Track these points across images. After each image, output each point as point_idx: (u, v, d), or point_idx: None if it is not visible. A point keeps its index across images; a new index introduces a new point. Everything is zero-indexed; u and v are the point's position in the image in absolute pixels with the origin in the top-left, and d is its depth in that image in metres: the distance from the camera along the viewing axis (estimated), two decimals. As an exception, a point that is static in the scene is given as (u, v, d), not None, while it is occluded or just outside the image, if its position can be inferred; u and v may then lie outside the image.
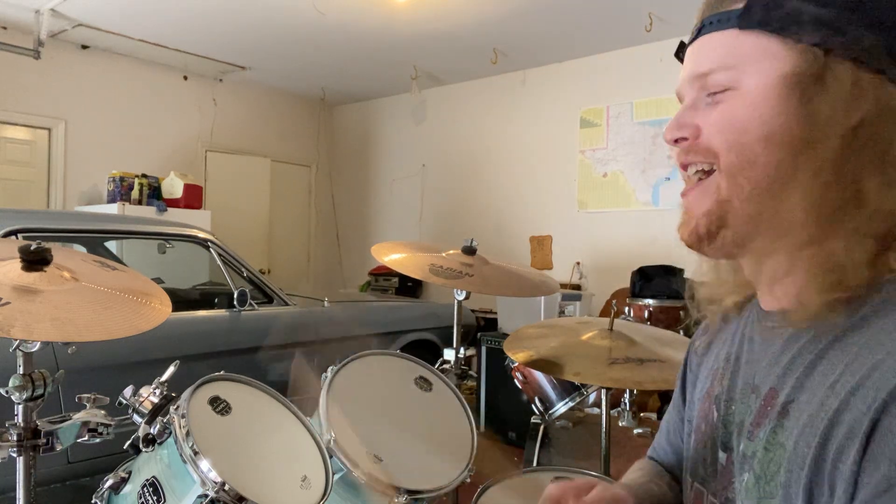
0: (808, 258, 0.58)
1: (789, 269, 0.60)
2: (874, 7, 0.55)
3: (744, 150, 0.58)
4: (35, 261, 1.18)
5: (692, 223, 0.63)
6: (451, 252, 1.83)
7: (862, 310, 0.54)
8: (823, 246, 0.56)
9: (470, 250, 1.81)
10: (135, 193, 4.82)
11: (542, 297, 3.66)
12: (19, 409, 1.16)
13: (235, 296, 2.89)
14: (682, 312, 3.49)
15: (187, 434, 1.03)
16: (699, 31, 0.62)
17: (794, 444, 0.53)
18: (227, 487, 0.99)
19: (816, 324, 0.56)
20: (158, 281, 3.24)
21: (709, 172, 0.62)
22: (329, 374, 1.34)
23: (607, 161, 5.00)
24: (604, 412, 1.62)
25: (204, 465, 1.00)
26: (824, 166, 0.55)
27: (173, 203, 4.90)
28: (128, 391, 1.16)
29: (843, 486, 0.48)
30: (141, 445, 1.09)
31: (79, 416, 1.19)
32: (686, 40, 0.68)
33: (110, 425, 1.21)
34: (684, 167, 0.64)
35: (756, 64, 0.57)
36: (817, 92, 0.55)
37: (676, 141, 0.63)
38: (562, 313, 3.92)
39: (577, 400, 1.73)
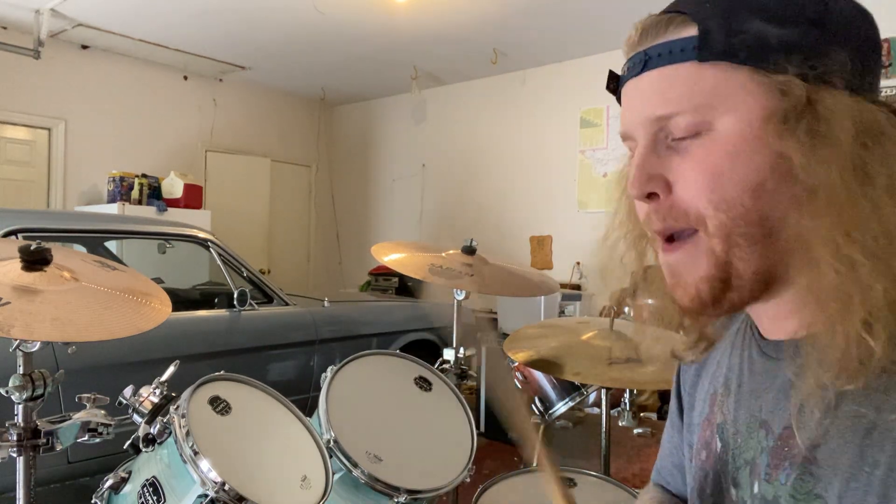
0: (821, 303, 0.50)
1: (795, 309, 0.54)
2: (834, 24, 0.50)
3: (732, 206, 0.51)
4: (35, 261, 1.18)
5: (691, 290, 0.55)
6: (451, 252, 1.83)
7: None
8: (839, 291, 0.48)
9: (470, 250, 1.81)
10: (135, 193, 4.82)
11: (542, 297, 3.66)
12: (19, 409, 1.16)
13: (235, 296, 2.89)
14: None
15: (187, 434, 1.03)
16: (644, 64, 0.55)
17: (838, 499, 0.49)
18: (227, 487, 0.99)
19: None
20: (158, 281, 3.24)
21: (685, 234, 0.54)
22: (329, 374, 1.34)
23: (607, 161, 5.00)
24: (604, 412, 1.62)
25: (204, 465, 1.00)
26: (830, 205, 0.48)
27: (173, 203, 4.90)
28: (128, 391, 1.16)
29: None
30: (141, 445, 1.09)
31: (79, 416, 1.19)
32: (621, 71, 0.60)
33: (110, 425, 1.21)
34: (663, 235, 0.56)
35: (727, 102, 0.50)
36: (805, 127, 0.49)
37: (648, 196, 0.55)
38: (562, 313, 3.92)
39: (577, 400, 1.73)
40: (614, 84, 0.61)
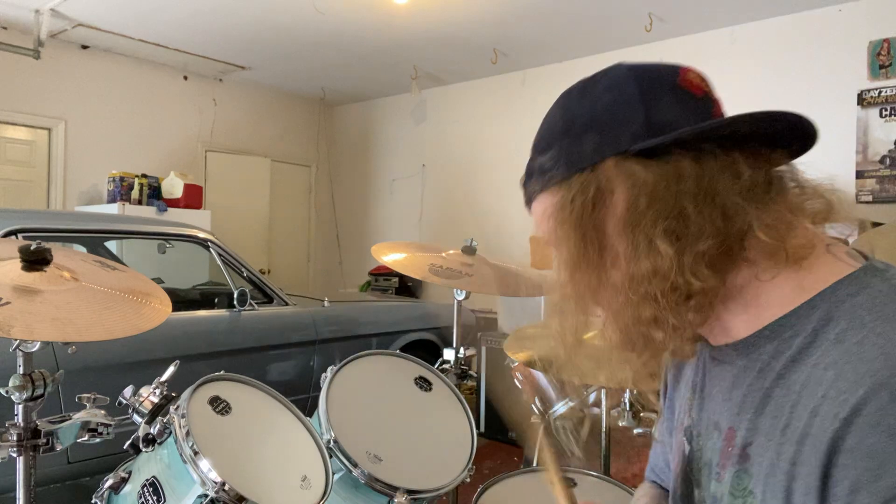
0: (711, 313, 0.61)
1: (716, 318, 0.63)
2: (579, 120, 0.61)
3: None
4: (35, 261, 1.18)
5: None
6: (451, 252, 1.83)
7: (797, 339, 0.54)
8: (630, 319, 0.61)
9: (470, 250, 1.81)
10: (135, 193, 4.82)
11: (542, 297, 3.65)
12: (19, 409, 1.16)
13: (235, 296, 2.89)
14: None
15: (187, 434, 1.03)
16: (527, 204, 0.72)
17: (762, 494, 0.54)
18: (227, 487, 0.99)
19: (757, 358, 0.58)
20: (158, 281, 3.24)
21: None
22: (329, 374, 1.34)
23: (607, 161, 4.99)
24: (604, 412, 1.62)
25: (204, 465, 1.00)
26: (614, 260, 0.60)
27: (173, 203, 4.90)
28: (128, 391, 1.16)
29: None
30: (141, 445, 1.09)
31: (79, 416, 1.19)
32: None
33: (110, 425, 1.21)
34: None
35: (549, 220, 0.65)
36: (566, 211, 0.61)
37: None
38: (562, 313, 3.91)
39: (577, 400, 1.73)
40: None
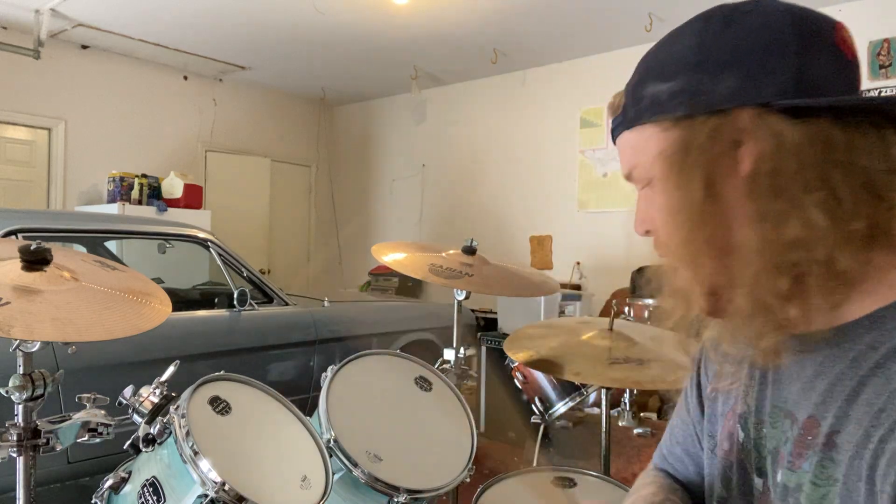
0: (742, 300, 0.57)
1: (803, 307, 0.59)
2: (718, 54, 0.55)
3: (674, 238, 0.60)
4: (35, 261, 1.18)
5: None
6: (451, 252, 1.83)
7: None
8: (754, 287, 0.56)
9: (470, 250, 1.81)
10: (135, 193, 4.82)
11: (542, 297, 3.66)
12: (19, 409, 1.16)
13: (235, 296, 2.89)
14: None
15: (187, 434, 1.03)
16: (613, 133, 0.67)
17: (845, 478, 0.52)
18: (227, 487, 0.99)
19: (850, 347, 0.55)
20: (158, 281, 3.24)
21: None
22: (329, 374, 1.34)
23: (607, 161, 5.00)
24: (604, 412, 1.62)
25: (204, 465, 1.00)
26: (732, 220, 0.56)
27: (173, 203, 4.90)
28: (128, 391, 1.16)
29: None
30: (141, 445, 1.09)
31: (79, 416, 1.19)
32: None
33: (110, 425, 1.21)
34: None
35: (645, 154, 0.61)
36: (691, 155, 0.56)
37: (647, 232, 0.65)
38: (562, 313, 3.92)
39: (577, 400, 1.73)
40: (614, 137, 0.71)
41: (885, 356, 0.52)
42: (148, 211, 4.77)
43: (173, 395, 1.14)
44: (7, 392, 1.16)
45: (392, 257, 1.78)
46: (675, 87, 0.57)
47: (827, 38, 0.55)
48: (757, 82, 0.54)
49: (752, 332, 0.60)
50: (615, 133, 0.66)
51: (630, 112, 0.62)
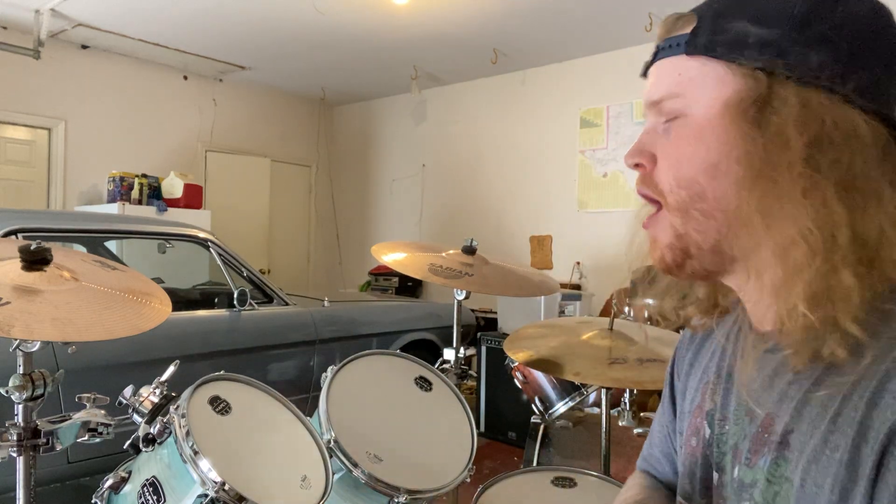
0: (787, 290, 0.54)
1: (773, 298, 0.57)
2: (822, 24, 0.53)
3: (692, 184, 0.57)
4: (35, 261, 1.18)
5: (658, 252, 0.62)
6: (451, 252, 1.83)
7: (868, 348, 0.51)
8: (799, 279, 0.53)
9: (470, 250, 1.81)
10: (135, 193, 4.82)
11: (542, 297, 3.66)
12: (19, 409, 1.16)
13: (235, 296, 2.89)
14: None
15: (187, 434, 1.03)
16: (655, 56, 0.61)
17: (800, 481, 0.52)
18: (227, 487, 0.99)
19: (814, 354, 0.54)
20: (158, 281, 3.24)
21: (658, 206, 0.61)
22: (329, 374, 1.34)
23: (607, 161, 5.00)
24: (604, 412, 1.62)
25: (204, 464, 1.00)
26: (778, 195, 0.53)
27: (173, 203, 4.90)
28: (128, 391, 1.16)
29: None
30: (141, 445, 1.09)
31: (79, 416, 1.19)
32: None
33: (110, 425, 1.21)
34: (641, 196, 0.64)
35: (701, 91, 0.56)
36: (762, 118, 0.53)
37: (636, 165, 0.62)
38: (562, 313, 3.92)
39: (577, 400, 1.73)
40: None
41: (841, 358, 0.52)
42: (148, 211, 4.77)
43: (173, 394, 1.14)
44: (7, 392, 1.16)
45: (392, 257, 1.78)
46: (766, 37, 0.53)
47: None
48: (845, 70, 0.52)
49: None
50: (663, 53, 0.60)
51: (702, 38, 0.56)
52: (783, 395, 0.56)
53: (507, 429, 3.81)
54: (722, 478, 0.62)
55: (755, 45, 0.54)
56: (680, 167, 0.58)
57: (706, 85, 0.56)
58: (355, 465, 1.19)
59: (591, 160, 5.09)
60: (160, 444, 1.09)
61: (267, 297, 3.16)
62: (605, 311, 4.41)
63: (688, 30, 0.58)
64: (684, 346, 0.77)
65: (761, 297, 0.60)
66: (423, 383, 1.45)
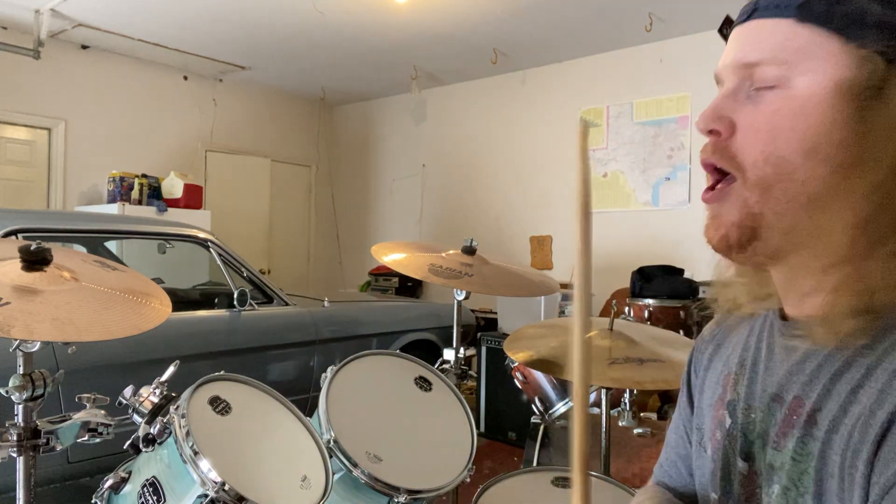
0: (842, 277, 0.54)
1: (820, 285, 0.56)
2: None
3: (782, 161, 0.53)
4: (35, 261, 1.18)
5: (722, 230, 0.58)
6: (451, 252, 1.83)
7: (893, 331, 0.52)
8: (860, 267, 0.52)
9: (470, 250, 1.81)
10: (135, 193, 4.82)
11: (542, 297, 3.66)
12: (19, 409, 1.16)
13: (235, 296, 2.89)
14: (682, 312, 3.49)
15: (187, 434, 1.03)
16: (752, 13, 0.56)
17: (820, 452, 0.52)
18: (227, 487, 0.99)
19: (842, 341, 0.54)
20: (158, 281, 3.24)
21: (729, 178, 0.57)
22: (329, 374, 1.34)
23: (607, 161, 5.00)
24: (604, 412, 1.62)
25: (204, 465, 1.00)
26: (875, 188, 0.51)
27: (173, 203, 4.90)
28: (128, 391, 1.16)
29: (858, 491, 0.48)
30: (141, 445, 1.09)
31: (79, 416, 1.19)
32: (733, 17, 0.62)
33: (110, 425, 1.21)
34: (707, 166, 0.59)
35: (810, 63, 0.52)
36: (875, 105, 0.50)
37: (710, 132, 0.58)
38: (562, 313, 3.92)
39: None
40: (727, 30, 0.62)
41: (873, 338, 0.52)
42: (148, 211, 4.77)
43: (173, 395, 1.14)
44: (7, 392, 1.16)
45: (392, 257, 1.78)
46: (890, 20, 0.50)
47: None
48: None
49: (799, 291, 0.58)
50: (764, 13, 0.55)
51: (819, 7, 0.52)
52: (813, 377, 0.55)
53: (507, 429, 3.81)
54: (751, 466, 0.61)
55: (876, 25, 0.50)
56: (772, 142, 0.53)
57: (818, 58, 0.52)
58: (355, 465, 1.19)
59: (592, 160, 5.09)
60: (160, 444, 1.09)
61: (267, 298, 3.16)
62: (605, 311, 4.41)
63: None
64: (703, 342, 0.76)
65: (805, 281, 0.58)
66: (423, 383, 1.45)
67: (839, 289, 0.54)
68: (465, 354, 1.81)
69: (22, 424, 1.16)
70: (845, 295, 0.53)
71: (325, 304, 3.41)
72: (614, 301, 1.89)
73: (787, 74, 0.53)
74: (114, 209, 4.62)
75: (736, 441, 0.63)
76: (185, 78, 5.81)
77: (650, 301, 3.54)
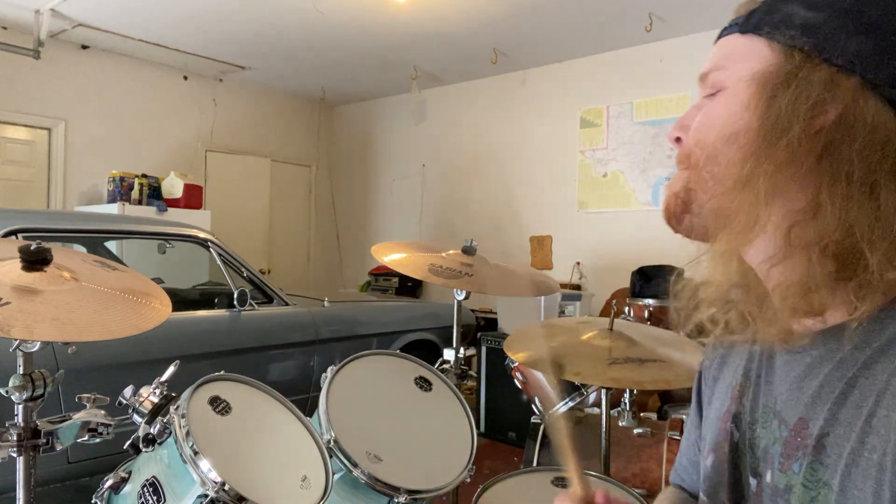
0: (778, 275, 0.56)
1: (770, 284, 0.59)
2: (872, 13, 0.53)
3: (709, 147, 0.60)
4: (35, 261, 1.18)
5: (667, 200, 0.65)
6: (451, 252, 1.83)
7: (887, 331, 0.52)
8: (793, 264, 0.55)
9: (470, 250, 1.81)
10: (135, 193, 4.82)
11: (542, 297, 3.66)
12: (19, 409, 1.16)
13: (235, 296, 2.89)
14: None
15: (187, 434, 1.03)
16: (718, 37, 0.64)
17: (840, 486, 0.51)
18: (227, 487, 0.99)
19: (836, 348, 0.55)
20: (158, 281, 3.24)
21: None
22: (329, 374, 1.34)
23: (607, 161, 5.00)
24: (604, 412, 1.62)
25: (204, 465, 1.00)
26: (780, 169, 0.54)
27: (173, 203, 4.90)
28: (128, 391, 1.16)
29: None
30: (141, 445, 1.09)
31: (79, 416, 1.19)
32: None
33: (110, 425, 1.21)
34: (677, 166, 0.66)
35: (743, 64, 0.59)
36: (782, 92, 0.55)
37: (676, 140, 0.65)
38: (562, 313, 3.92)
39: (577, 400, 1.73)
40: None
41: (871, 357, 0.52)
42: (148, 211, 4.76)
43: (173, 395, 1.14)
44: (7, 392, 1.16)
45: (392, 257, 1.78)
46: (812, 20, 0.55)
47: None
48: (883, 60, 0.52)
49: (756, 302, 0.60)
50: (724, 32, 0.63)
51: (755, 19, 0.59)
52: (815, 398, 0.55)
53: (507, 429, 3.81)
54: (760, 483, 0.61)
55: (799, 26, 0.55)
56: (702, 130, 0.61)
57: (749, 59, 0.58)
58: (355, 465, 1.19)
59: (592, 160, 5.09)
60: (160, 444, 1.09)
61: (267, 298, 3.16)
62: (605, 311, 4.41)
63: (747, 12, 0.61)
64: (712, 351, 0.77)
65: (768, 281, 0.60)
66: (423, 383, 1.45)
67: (776, 288, 0.57)
68: (465, 354, 1.81)
69: (22, 424, 1.16)
70: (778, 294, 0.57)
71: (325, 304, 3.41)
72: (614, 301, 1.89)
73: (727, 76, 0.60)
74: (114, 209, 4.62)
75: (744, 456, 0.64)
76: (185, 78, 5.81)
77: (650, 301, 3.54)
